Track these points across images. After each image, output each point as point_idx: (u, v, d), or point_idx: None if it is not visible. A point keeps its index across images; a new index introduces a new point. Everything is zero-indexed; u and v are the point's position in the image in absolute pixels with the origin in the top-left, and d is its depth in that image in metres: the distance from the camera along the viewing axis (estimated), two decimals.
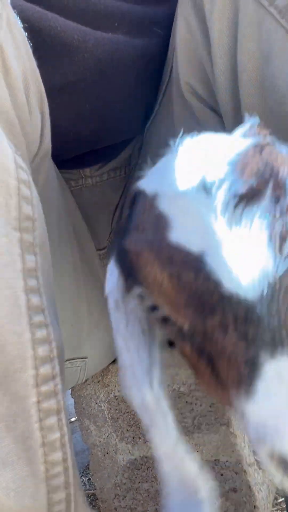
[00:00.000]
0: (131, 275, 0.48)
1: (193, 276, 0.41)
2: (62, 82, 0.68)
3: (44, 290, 0.49)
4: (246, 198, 0.42)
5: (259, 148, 0.46)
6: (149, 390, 0.49)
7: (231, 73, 0.63)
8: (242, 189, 0.42)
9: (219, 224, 0.41)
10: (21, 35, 0.54)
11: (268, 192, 0.41)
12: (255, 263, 0.39)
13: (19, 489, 0.45)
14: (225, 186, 0.42)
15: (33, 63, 0.56)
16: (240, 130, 0.50)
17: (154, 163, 0.52)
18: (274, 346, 0.36)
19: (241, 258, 0.39)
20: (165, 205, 0.45)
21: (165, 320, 0.47)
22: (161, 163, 0.50)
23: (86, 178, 0.87)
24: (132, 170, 0.89)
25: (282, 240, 0.39)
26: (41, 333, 0.47)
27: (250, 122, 0.50)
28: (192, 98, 0.71)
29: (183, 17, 0.67)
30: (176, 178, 0.45)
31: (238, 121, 0.61)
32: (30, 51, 0.55)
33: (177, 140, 0.50)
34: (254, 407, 0.37)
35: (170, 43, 0.73)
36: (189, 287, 0.42)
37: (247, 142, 0.47)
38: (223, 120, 0.69)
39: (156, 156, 0.49)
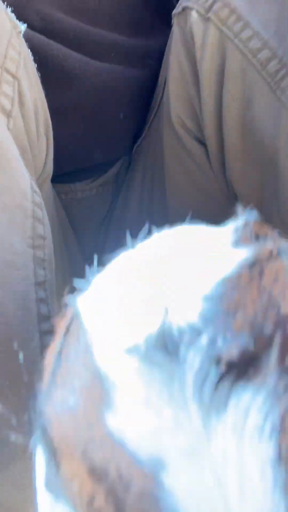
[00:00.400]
0: (56, 466, 0.30)
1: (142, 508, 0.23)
2: (60, 107, 0.73)
3: (50, 301, 0.54)
4: (237, 369, 0.24)
5: (258, 268, 0.28)
6: None
7: (216, 113, 0.68)
8: (231, 352, 0.24)
9: (190, 413, 0.24)
10: (32, 67, 0.61)
11: (273, 359, 0.24)
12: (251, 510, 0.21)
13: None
14: (203, 342, 0.25)
15: (42, 92, 0.63)
16: (230, 228, 0.33)
17: (100, 268, 0.34)
18: None
19: (228, 496, 0.21)
20: (105, 366, 0.27)
21: None
22: (105, 276, 0.33)
23: (76, 192, 0.95)
24: (119, 188, 1.01)
25: None
26: (48, 340, 0.50)
27: (244, 218, 0.33)
28: (180, 129, 0.77)
29: (175, 57, 0.72)
30: (121, 321, 0.27)
31: (222, 159, 0.70)
32: (39, 81, 0.63)
33: (130, 243, 0.33)
34: None
35: (160, 75, 0.81)
36: None
37: (240, 255, 0.30)
38: (209, 155, 0.75)
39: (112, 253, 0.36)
